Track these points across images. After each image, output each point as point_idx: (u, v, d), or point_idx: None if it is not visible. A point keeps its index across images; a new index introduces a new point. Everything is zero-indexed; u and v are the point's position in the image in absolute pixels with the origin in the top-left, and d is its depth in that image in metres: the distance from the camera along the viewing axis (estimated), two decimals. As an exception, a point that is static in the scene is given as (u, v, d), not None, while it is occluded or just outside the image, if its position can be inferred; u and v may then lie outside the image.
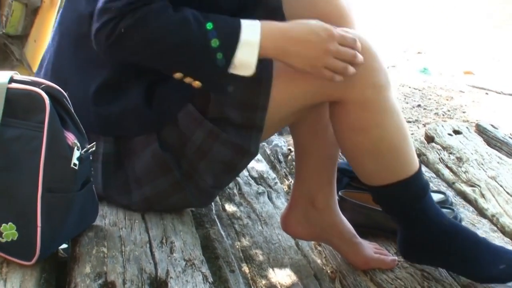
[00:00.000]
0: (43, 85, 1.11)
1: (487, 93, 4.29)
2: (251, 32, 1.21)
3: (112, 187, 1.35)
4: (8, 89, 1.09)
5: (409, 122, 3.56)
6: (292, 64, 1.25)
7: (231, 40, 1.19)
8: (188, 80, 1.23)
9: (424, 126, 3.39)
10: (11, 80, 1.11)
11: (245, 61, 1.21)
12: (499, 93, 4.31)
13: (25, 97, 1.10)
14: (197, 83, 1.23)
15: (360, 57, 1.25)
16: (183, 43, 1.19)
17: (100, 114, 1.31)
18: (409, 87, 4.30)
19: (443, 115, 3.75)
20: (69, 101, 1.16)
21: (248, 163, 1.35)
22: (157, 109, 1.30)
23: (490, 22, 7.11)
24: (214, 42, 1.18)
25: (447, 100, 4.07)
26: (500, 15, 7.49)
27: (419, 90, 4.24)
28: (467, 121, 3.61)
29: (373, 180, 1.40)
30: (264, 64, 1.25)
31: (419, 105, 3.87)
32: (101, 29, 1.17)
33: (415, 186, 1.38)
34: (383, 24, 6.52)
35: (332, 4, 1.40)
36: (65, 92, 1.19)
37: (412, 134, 3.23)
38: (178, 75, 1.23)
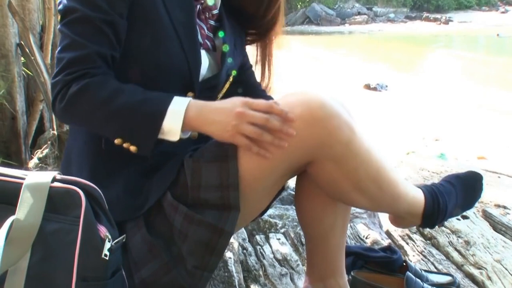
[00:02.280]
0: (81, 183, 1.11)
1: (499, 177, 4.20)
2: (179, 104, 1.22)
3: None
4: (50, 187, 1.10)
5: (428, 202, 3.48)
6: (213, 132, 1.22)
7: (160, 109, 1.21)
8: (126, 145, 1.23)
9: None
10: (54, 179, 1.11)
11: (171, 128, 1.21)
12: (510, 176, 4.21)
13: (65, 195, 1.09)
14: (133, 148, 1.23)
15: (273, 121, 1.17)
16: (118, 109, 1.21)
17: None
18: (428, 171, 4.23)
19: (459, 196, 3.65)
20: (103, 197, 1.15)
21: (227, 242, 1.25)
22: (140, 197, 1.29)
23: (501, 110, 7.05)
24: (145, 110, 1.21)
25: (463, 182, 3.96)
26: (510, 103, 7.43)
27: (437, 174, 4.17)
28: (482, 202, 3.51)
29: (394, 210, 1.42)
30: (229, 146, 1.23)
31: (437, 188, 3.78)
32: (54, 99, 1.24)
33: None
34: (404, 114, 6.52)
35: None
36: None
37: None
38: (118, 140, 1.23)
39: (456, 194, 1.42)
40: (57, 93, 1.22)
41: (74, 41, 1.22)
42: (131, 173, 1.32)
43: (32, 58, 2.84)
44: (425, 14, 30.00)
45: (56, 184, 1.11)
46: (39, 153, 2.59)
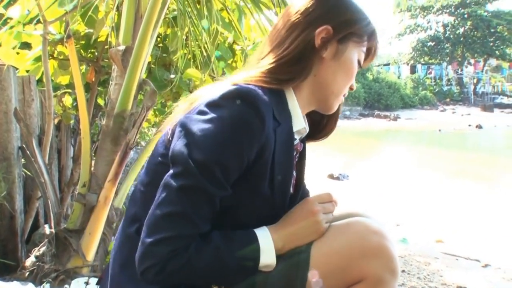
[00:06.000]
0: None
1: (457, 259, 4.18)
2: (265, 240, 1.19)
3: None
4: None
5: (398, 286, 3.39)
6: (303, 243, 1.21)
7: (255, 254, 1.17)
8: None
9: (410, 290, 3.18)
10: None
11: (268, 263, 1.18)
12: (467, 258, 4.17)
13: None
14: None
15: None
16: (220, 269, 1.14)
17: None
18: (393, 255, 4.15)
19: (424, 278, 3.58)
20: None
21: None
22: None
23: (451, 196, 7.10)
24: (244, 261, 1.15)
25: (426, 265, 3.93)
26: (465, 189, 7.50)
27: (402, 257, 4.10)
28: (445, 284, 3.44)
29: None
30: (303, 250, 1.19)
31: (403, 271, 3.71)
32: (146, 272, 1.10)
33: None
34: (365, 202, 6.49)
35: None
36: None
37: (402, 298, 3.08)
38: (215, 287, 1.16)
39: None
40: (151, 266, 1.08)
41: (185, 214, 1.10)
42: None
43: (33, 159, 2.73)
44: (376, 112, 30.90)
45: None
46: (36, 251, 2.41)
